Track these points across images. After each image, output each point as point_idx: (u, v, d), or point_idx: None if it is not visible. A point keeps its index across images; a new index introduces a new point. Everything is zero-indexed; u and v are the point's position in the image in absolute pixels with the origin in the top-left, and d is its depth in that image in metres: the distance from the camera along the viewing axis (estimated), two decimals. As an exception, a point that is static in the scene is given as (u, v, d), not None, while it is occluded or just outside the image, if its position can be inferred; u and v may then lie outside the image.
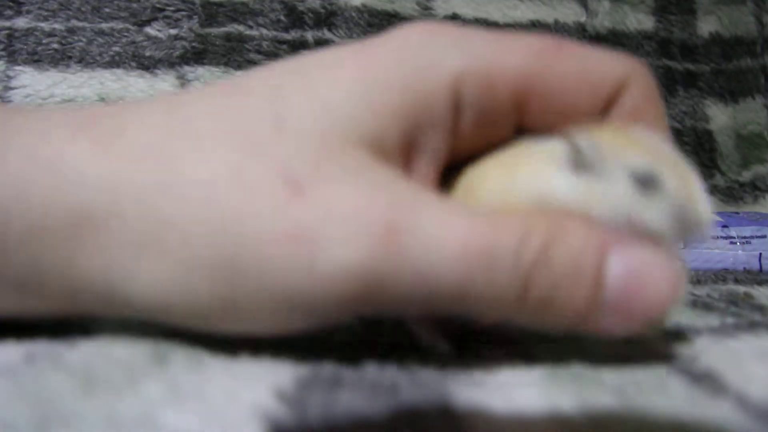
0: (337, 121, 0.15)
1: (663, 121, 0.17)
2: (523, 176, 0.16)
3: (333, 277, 0.13)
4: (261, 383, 0.14)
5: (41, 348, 0.16)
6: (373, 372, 0.15)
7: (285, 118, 0.15)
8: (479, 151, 0.17)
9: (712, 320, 0.22)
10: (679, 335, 0.19)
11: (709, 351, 0.17)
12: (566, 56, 0.16)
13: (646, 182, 0.15)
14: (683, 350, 0.17)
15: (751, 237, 0.38)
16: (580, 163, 0.15)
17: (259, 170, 0.14)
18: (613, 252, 0.14)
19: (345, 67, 0.16)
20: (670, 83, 0.54)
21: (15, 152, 0.15)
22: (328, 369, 0.15)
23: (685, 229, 0.15)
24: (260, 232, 0.14)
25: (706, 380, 0.15)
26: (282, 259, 0.14)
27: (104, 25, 0.45)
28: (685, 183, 0.15)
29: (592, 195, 0.15)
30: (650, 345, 0.18)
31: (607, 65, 0.17)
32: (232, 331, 0.15)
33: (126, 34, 0.45)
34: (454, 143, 0.16)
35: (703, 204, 0.15)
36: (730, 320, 0.21)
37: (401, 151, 0.16)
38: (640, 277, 0.14)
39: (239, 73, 0.46)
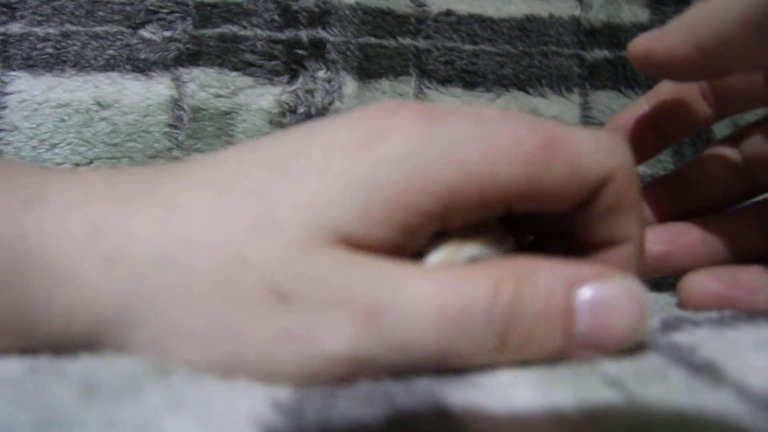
0: (319, 224, 0.15)
1: (640, 212, 0.19)
2: None
3: (322, 365, 0.15)
4: (259, 394, 0.14)
5: (44, 362, 0.16)
6: (366, 386, 0.15)
7: (266, 221, 0.16)
8: None
9: (711, 311, 0.22)
10: (677, 326, 0.19)
11: (709, 342, 0.17)
12: (558, 159, 0.17)
13: None
14: (683, 341, 0.17)
15: (750, 227, 0.38)
16: None
17: (245, 281, 0.15)
18: (579, 286, 0.15)
19: (333, 170, 0.16)
20: (666, 74, 0.54)
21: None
22: (322, 387, 0.15)
23: None
24: (257, 332, 0.15)
25: (706, 370, 0.15)
26: (278, 353, 0.15)
27: (98, 29, 0.45)
28: None
29: None
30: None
31: (594, 161, 0.17)
32: None
33: (120, 37, 0.45)
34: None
35: None
36: (728, 311, 0.21)
37: (388, 243, 0.16)
38: (606, 308, 0.15)
39: (234, 74, 0.46)
